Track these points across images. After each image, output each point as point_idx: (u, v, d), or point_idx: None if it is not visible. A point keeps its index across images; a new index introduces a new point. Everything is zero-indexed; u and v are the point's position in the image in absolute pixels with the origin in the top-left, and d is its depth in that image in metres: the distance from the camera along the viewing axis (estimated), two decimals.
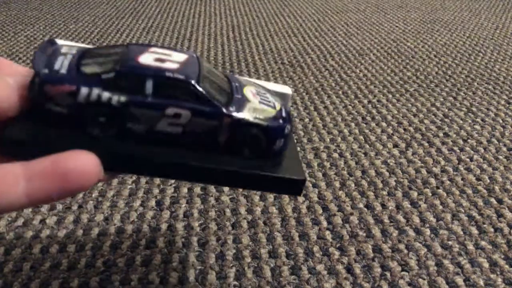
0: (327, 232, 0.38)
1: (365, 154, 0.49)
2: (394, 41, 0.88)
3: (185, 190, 0.43)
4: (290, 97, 0.27)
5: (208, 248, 0.36)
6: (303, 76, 0.70)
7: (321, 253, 0.35)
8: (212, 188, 0.43)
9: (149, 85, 0.20)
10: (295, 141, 0.24)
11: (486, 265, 0.35)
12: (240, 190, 0.42)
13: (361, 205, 0.41)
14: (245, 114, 0.22)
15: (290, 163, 0.23)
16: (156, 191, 0.42)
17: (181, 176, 0.21)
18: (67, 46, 0.22)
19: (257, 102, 0.23)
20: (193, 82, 0.20)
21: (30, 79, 0.20)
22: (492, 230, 0.38)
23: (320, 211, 0.40)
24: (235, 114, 0.21)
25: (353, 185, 0.44)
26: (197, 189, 0.43)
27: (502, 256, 0.35)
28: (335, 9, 1.13)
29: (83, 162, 0.18)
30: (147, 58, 0.21)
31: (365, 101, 0.62)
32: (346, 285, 0.33)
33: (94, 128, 0.20)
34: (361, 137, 0.52)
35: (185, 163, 0.21)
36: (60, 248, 0.35)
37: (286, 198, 0.41)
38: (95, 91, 0.19)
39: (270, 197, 0.42)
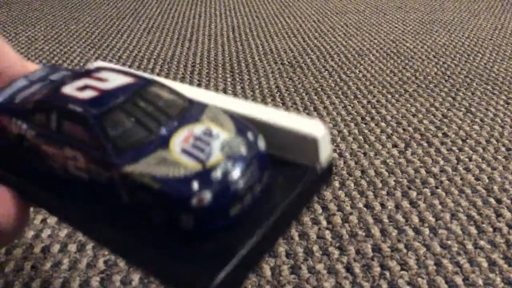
0: (327, 232, 0.38)
1: (365, 154, 0.49)
2: (393, 41, 0.88)
3: None
4: (318, 143, 0.18)
5: None
6: (303, 77, 0.71)
7: (320, 252, 0.36)
8: None
9: (54, 118, 0.16)
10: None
11: (485, 264, 0.35)
12: None
13: (360, 205, 0.41)
14: (138, 167, 0.15)
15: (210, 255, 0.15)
16: None
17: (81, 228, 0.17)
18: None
19: (178, 151, 0.15)
20: (91, 114, 0.16)
21: None
22: (491, 229, 0.38)
23: (320, 211, 0.40)
24: (126, 165, 0.15)
25: (352, 185, 0.44)
26: None
27: (501, 256, 0.36)
28: (334, 10, 1.13)
29: None
30: (73, 86, 0.17)
31: (365, 102, 0.62)
32: (345, 284, 0.33)
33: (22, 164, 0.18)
34: (361, 137, 0.53)
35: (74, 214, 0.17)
36: (61, 247, 0.36)
37: None
38: (19, 123, 0.18)
39: None
